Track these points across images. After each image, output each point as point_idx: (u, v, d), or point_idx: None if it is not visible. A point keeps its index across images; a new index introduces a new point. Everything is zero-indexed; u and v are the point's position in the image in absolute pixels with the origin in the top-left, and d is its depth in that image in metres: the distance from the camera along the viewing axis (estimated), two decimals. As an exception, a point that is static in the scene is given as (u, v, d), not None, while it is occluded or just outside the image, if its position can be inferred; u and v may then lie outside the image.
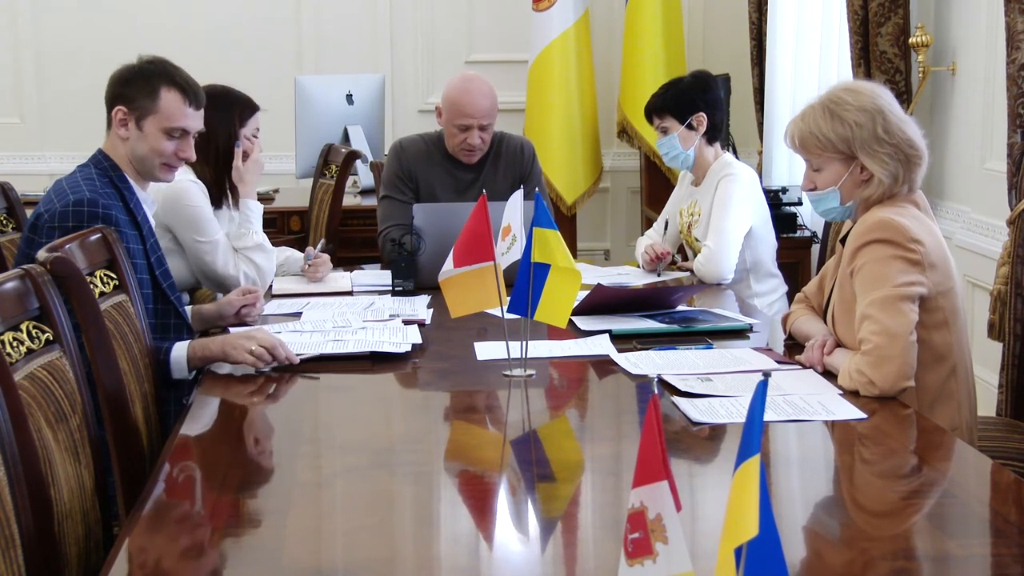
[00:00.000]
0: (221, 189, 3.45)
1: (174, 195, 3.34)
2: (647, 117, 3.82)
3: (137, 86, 2.88)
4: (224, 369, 2.65)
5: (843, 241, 2.59)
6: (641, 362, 2.60)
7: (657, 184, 5.93)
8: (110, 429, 2.31)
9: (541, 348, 2.72)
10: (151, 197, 3.04)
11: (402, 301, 3.28)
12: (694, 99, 3.71)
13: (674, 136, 3.72)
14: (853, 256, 2.47)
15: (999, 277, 3.22)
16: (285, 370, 2.62)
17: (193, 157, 2.99)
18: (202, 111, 2.97)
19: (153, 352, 2.67)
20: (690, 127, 3.70)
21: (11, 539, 1.74)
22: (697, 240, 3.73)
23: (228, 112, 3.46)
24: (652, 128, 3.88)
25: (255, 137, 3.53)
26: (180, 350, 2.68)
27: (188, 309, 3.10)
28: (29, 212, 3.85)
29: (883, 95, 2.52)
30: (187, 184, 3.37)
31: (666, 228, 3.90)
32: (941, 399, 2.48)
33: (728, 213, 3.61)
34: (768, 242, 3.78)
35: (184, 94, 2.90)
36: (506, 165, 3.86)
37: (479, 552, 1.75)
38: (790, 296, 3.95)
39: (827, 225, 3.51)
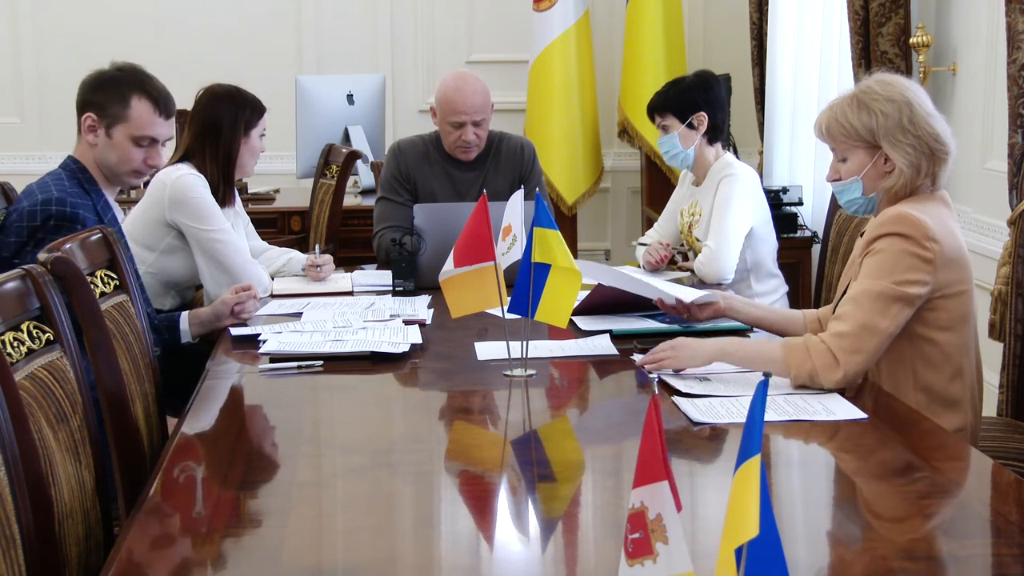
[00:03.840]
0: (220, 188, 3.45)
1: (178, 189, 3.34)
2: (649, 115, 3.82)
3: (108, 93, 2.87)
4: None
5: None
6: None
7: (658, 184, 5.92)
8: (110, 429, 2.31)
9: (541, 348, 2.72)
10: (117, 205, 3.03)
11: (402, 301, 3.28)
12: (695, 98, 3.71)
13: (674, 135, 3.72)
14: (867, 246, 2.46)
15: (1000, 277, 3.22)
16: (285, 370, 2.62)
17: (162, 164, 3.00)
18: (172, 120, 2.96)
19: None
20: (690, 126, 3.70)
21: (11, 539, 1.73)
22: (698, 240, 3.73)
23: (236, 113, 3.46)
24: (653, 127, 3.88)
25: (261, 136, 3.55)
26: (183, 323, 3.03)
27: (185, 313, 3.10)
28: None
29: (914, 89, 2.52)
30: (189, 177, 3.37)
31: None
32: (945, 401, 2.48)
33: (729, 213, 3.61)
34: (769, 242, 3.78)
35: (155, 103, 2.89)
36: (505, 165, 3.86)
37: (479, 552, 1.75)
38: (791, 296, 3.95)
39: (828, 225, 3.50)
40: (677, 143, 3.72)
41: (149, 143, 2.90)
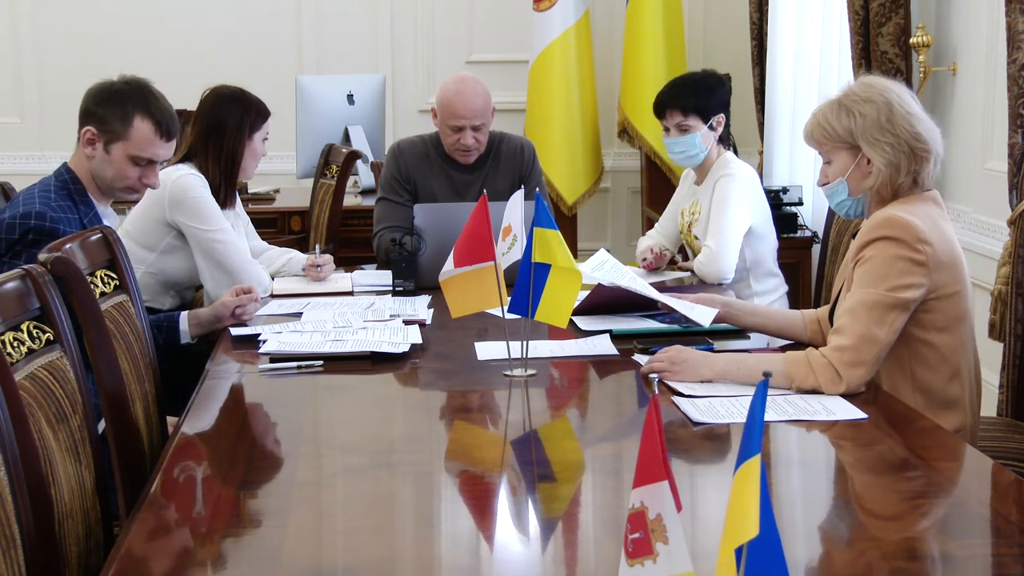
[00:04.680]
0: (222, 189, 3.45)
1: (177, 189, 3.34)
2: (662, 111, 3.77)
3: (111, 109, 2.84)
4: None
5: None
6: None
7: (657, 184, 5.92)
8: (110, 429, 2.31)
9: (541, 348, 2.72)
10: (112, 212, 3.03)
11: (402, 301, 3.28)
12: (719, 100, 3.73)
13: (696, 135, 3.71)
14: (859, 250, 2.47)
15: (1000, 277, 3.22)
16: (285, 370, 2.62)
17: (157, 185, 2.98)
18: (174, 141, 2.94)
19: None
20: (711, 128, 3.72)
21: (11, 539, 1.74)
22: (697, 239, 3.73)
23: (241, 115, 3.45)
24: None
25: (264, 140, 3.54)
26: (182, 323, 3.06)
27: (184, 314, 3.10)
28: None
29: (896, 90, 2.52)
30: (189, 178, 3.37)
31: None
32: (944, 401, 2.48)
33: (727, 212, 3.60)
34: (769, 241, 3.78)
35: (158, 125, 2.86)
36: (506, 165, 3.86)
37: (479, 552, 1.75)
38: (791, 296, 3.95)
39: (828, 225, 3.50)
40: (697, 143, 3.71)
41: (146, 163, 2.88)
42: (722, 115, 3.73)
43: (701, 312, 2.76)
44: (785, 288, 3.86)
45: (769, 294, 3.78)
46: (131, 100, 2.86)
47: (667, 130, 3.76)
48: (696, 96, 3.72)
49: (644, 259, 3.74)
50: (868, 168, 2.51)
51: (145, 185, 2.93)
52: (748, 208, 3.66)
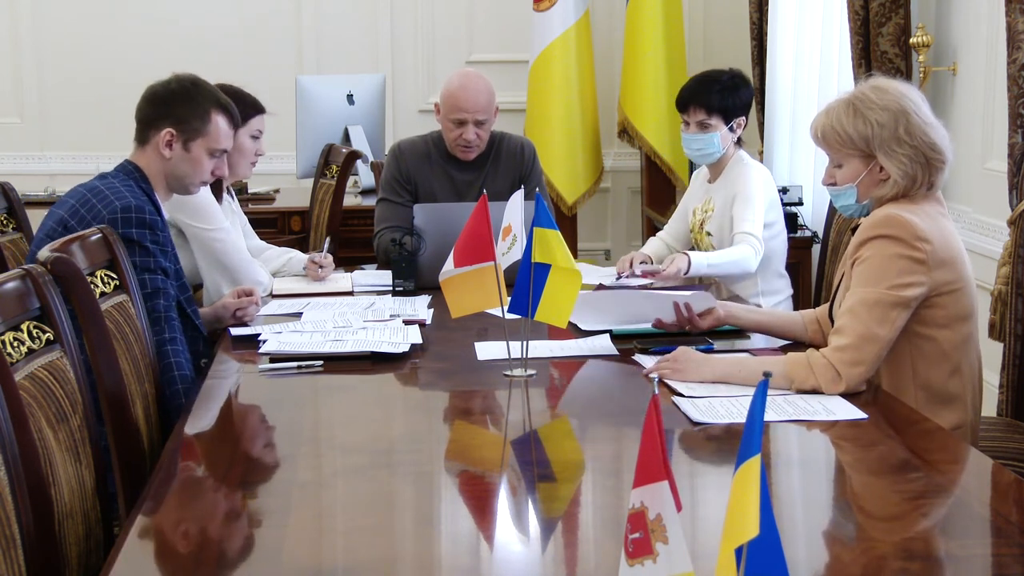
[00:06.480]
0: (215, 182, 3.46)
1: None
2: (684, 105, 3.76)
3: (189, 109, 2.91)
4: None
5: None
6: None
7: (657, 184, 5.92)
8: (110, 429, 2.32)
9: (541, 348, 2.72)
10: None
11: (403, 301, 3.28)
12: (743, 103, 3.74)
13: (716, 135, 3.71)
14: (858, 248, 2.46)
15: (1000, 277, 3.22)
16: (285, 370, 2.62)
17: (226, 173, 3.10)
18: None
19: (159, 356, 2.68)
20: (731, 129, 3.73)
21: (11, 539, 1.74)
22: (709, 235, 3.73)
23: None
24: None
25: (254, 138, 3.53)
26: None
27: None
28: (30, 213, 3.85)
29: (910, 96, 2.50)
30: None
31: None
32: (944, 399, 2.48)
33: (753, 203, 3.60)
34: (780, 240, 3.78)
35: (231, 117, 2.97)
36: (506, 165, 3.85)
37: (479, 552, 1.75)
38: (795, 299, 3.94)
39: (828, 225, 3.50)
40: (716, 143, 3.71)
41: (220, 154, 2.97)
42: (743, 118, 3.73)
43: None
44: (790, 291, 3.85)
45: (775, 295, 3.77)
46: (203, 97, 2.93)
47: (686, 124, 3.75)
48: (722, 96, 3.72)
49: (624, 269, 3.59)
50: (881, 176, 2.49)
51: (216, 176, 3.02)
52: (766, 201, 3.67)
